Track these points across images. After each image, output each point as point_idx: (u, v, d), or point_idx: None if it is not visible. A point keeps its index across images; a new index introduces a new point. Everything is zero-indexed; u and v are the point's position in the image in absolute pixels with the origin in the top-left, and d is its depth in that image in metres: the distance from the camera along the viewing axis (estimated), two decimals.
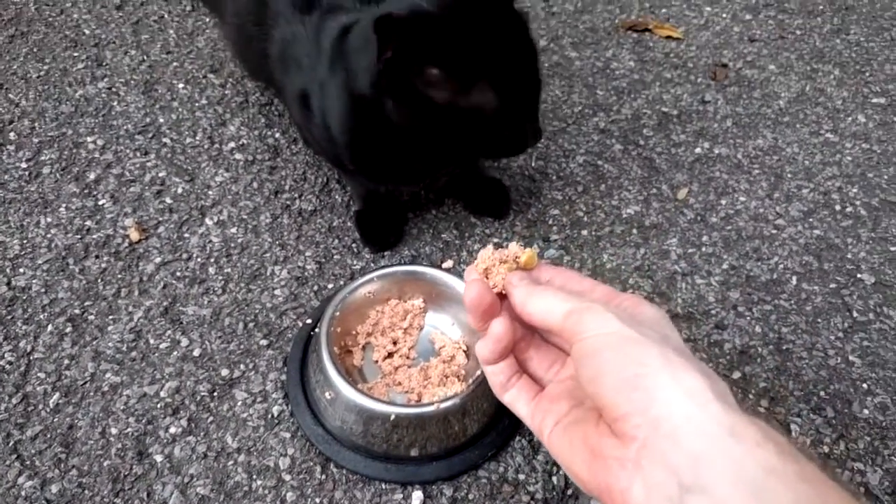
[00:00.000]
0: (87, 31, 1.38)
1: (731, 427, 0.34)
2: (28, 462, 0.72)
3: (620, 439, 0.37)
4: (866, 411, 0.80)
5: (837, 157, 1.16)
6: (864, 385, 0.82)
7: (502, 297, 0.50)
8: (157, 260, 0.94)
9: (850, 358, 0.85)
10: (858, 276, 0.95)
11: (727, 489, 0.32)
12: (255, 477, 0.72)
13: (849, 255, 0.99)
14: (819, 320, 0.90)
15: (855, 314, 0.90)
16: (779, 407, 0.80)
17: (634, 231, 1.01)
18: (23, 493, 0.70)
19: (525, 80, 0.76)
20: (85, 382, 0.80)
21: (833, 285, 0.94)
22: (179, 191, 1.04)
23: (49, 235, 0.96)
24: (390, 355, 0.79)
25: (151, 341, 0.84)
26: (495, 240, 0.99)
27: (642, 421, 0.36)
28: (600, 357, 0.39)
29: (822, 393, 0.82)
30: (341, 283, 0.91)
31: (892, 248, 0.99)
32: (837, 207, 1.06)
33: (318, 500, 0.70)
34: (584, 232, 1.01)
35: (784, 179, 1.11)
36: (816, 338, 0.88)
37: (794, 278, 0.95)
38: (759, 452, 0.33)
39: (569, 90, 1.29)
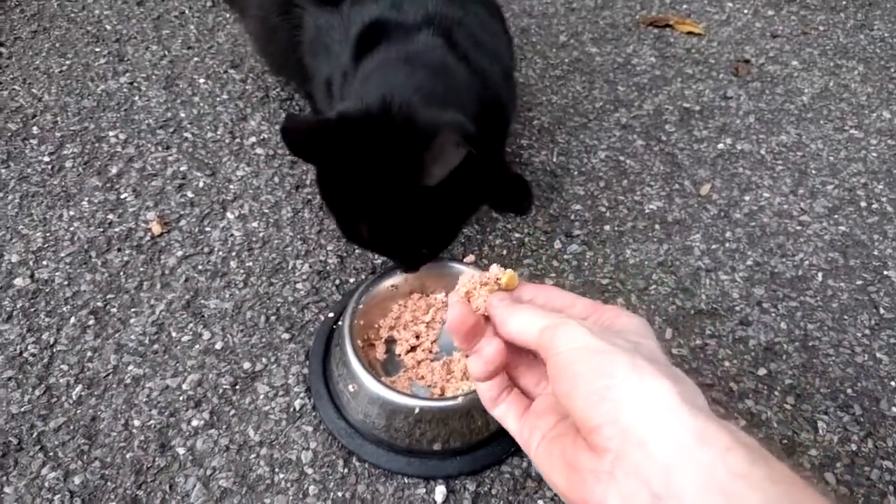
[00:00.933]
0: (108, 27, 1.39)
1: (700, 433, 0.34)
2: (51, 453, 0.72)
3: (595, 452, 0.37)
4: (895, 409, 0.78)
5: (862, 153, 1.14)
6: (893, 383, 0.81)
7: (487, 319, 0.51)
8: (179, 253, 0.94)
9: (878, 355, 0.84)
10: (885, 272, 0.94)
11: (697, 496, 0.32)
12: (277, 470, 0.72)
13: (875, 252, 0.97)
14: (846, 317, 0.89)
15: (882, 311, 0.89)
16: (805, 404, 0.79)
17: (657, 226, 1.00)
18: (46, 483, 0.70)
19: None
20: (107, 374, 0.80)
21: (859, 282, 0.93)
22: (201, 185, 1.04)
23: (72, 228, 0.97)
24: (413, 349, 0.79)
25: (174, 334, 0.84)
26: (517, 234, 0.98)
27: (613, 432, 0.36)
28: (571, 370, 0.39)
29: (849, 390, 0.81)
30: (363, 276, 0.91)
31: None
32: (863, 204, 1.05)
33: (340, 494, 0.70)
34: (607, 227, 1.00)
35: (808, 176, 1.10)
36: (843, 335, 0.86)
37: (820, 275, 0.94)
38: (729, 458, 0.33)
39: (589, 86, 1.29)
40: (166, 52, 1.32)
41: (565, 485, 0.39)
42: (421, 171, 0.66)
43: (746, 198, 1.05)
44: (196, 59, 1.31)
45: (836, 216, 1.03)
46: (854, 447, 0.75)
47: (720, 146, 1.15)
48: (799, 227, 1.01)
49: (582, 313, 0.47)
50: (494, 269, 0.53)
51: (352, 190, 0.71)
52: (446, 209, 0.74)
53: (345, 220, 0.75)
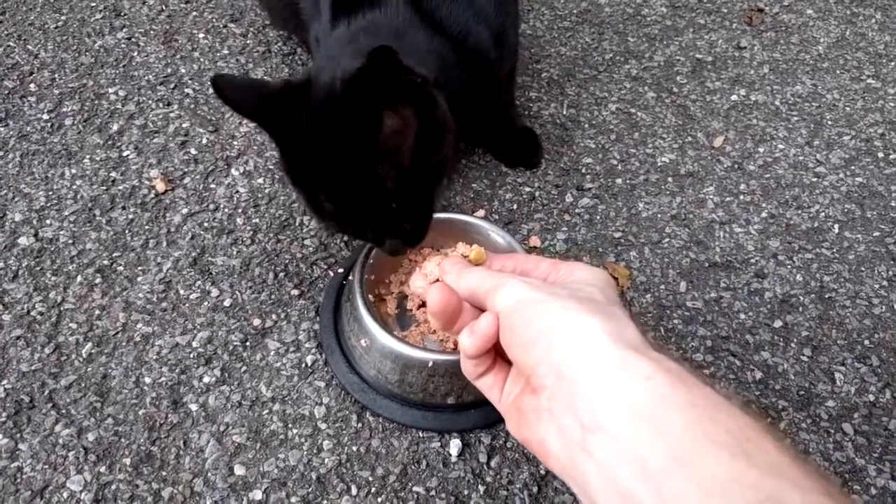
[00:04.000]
0: None
1: (621, 362, 0.35)
2: (64, 411, 0.72)
3: (535, 392, 0.39)
4: None
5: (880, 103, 1.12)
6: None
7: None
8: (184, 211, 0.92)
9: None
10: None
11: (623, 424, 0.33)
12: (290, 425, 0.71)
13: (893, 203, 0.95)
14: (862, 269, 0.87)
15: None
16: (822, 356, 0.78)
17: (670, 179, 0.98)
18: (60, 440, 0.69)
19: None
20: (117, 332, 0.79)
21: (876, 233, 0.91)
22: (204, 141, 1.02)
23: (74, 187, 0.95)
24: (424, 304, 0.78)
25: (182, 291, 0.83)
26: (527, 189, 0.97)
27: (547, 370, 0.38)
28: (510, 322, 0.42)
29: (866, 342, 0.80)
30: None
31: None
32: (880, 154, 1.03)
33: (354, 449, 0.69)
34: (619, 180, 0.98)
35: (824, 126, 1.07)
36: (860, 286, 0.85)
37: (836, 226, 0.92)
38: (651, 384, 0.34)
39: (599, 37, 1.25)
40: (164, 7, 1.29)
41: (517, 428, 0.42)
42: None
43: (761, 149, 1.03)
44: (195, 13, 1.28)
45: (852, 167, 1.01)
46: (872, 398, 0.75)
47: (734, 97, 1.13)
48: (815, 179, 0.99)
49: (545, 272, 0.48)
50: (461, 247, 0.54)
51: (306, 162, 0.65)
52: (403, 157, 0.64)
53: (309, 196, 0.68)
